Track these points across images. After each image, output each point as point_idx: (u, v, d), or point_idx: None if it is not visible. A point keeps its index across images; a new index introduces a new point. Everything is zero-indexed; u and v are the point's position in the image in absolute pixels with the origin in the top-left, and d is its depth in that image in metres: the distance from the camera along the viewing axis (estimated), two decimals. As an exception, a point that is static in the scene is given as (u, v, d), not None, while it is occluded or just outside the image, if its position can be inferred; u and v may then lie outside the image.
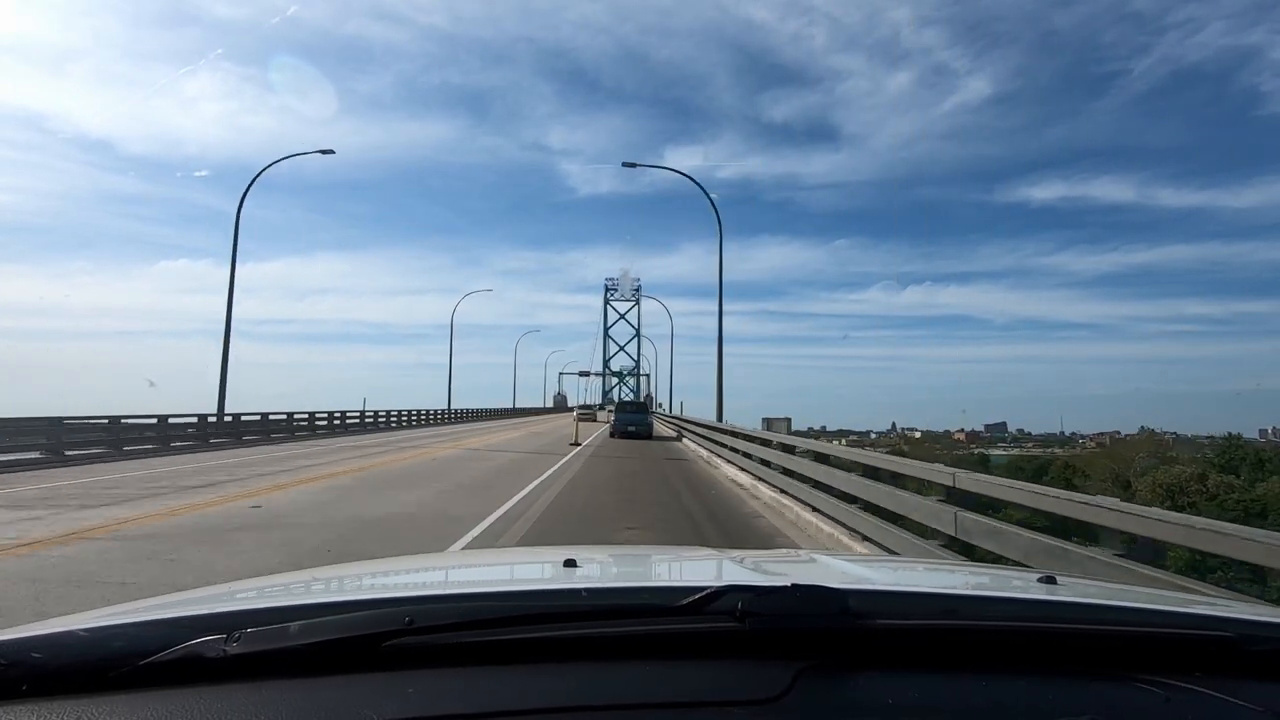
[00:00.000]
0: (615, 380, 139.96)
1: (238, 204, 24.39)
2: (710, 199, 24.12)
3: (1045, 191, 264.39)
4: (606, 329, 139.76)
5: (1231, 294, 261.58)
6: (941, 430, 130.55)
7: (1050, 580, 1.36)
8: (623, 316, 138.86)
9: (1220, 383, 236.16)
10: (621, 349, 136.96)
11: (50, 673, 0.86)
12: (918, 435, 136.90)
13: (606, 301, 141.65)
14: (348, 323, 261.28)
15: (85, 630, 0.93)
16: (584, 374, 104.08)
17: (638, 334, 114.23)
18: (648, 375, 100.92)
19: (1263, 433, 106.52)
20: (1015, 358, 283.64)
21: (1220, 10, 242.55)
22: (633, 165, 25.58)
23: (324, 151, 26.04)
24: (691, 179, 25.20)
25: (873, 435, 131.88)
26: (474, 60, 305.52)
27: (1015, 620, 1.04)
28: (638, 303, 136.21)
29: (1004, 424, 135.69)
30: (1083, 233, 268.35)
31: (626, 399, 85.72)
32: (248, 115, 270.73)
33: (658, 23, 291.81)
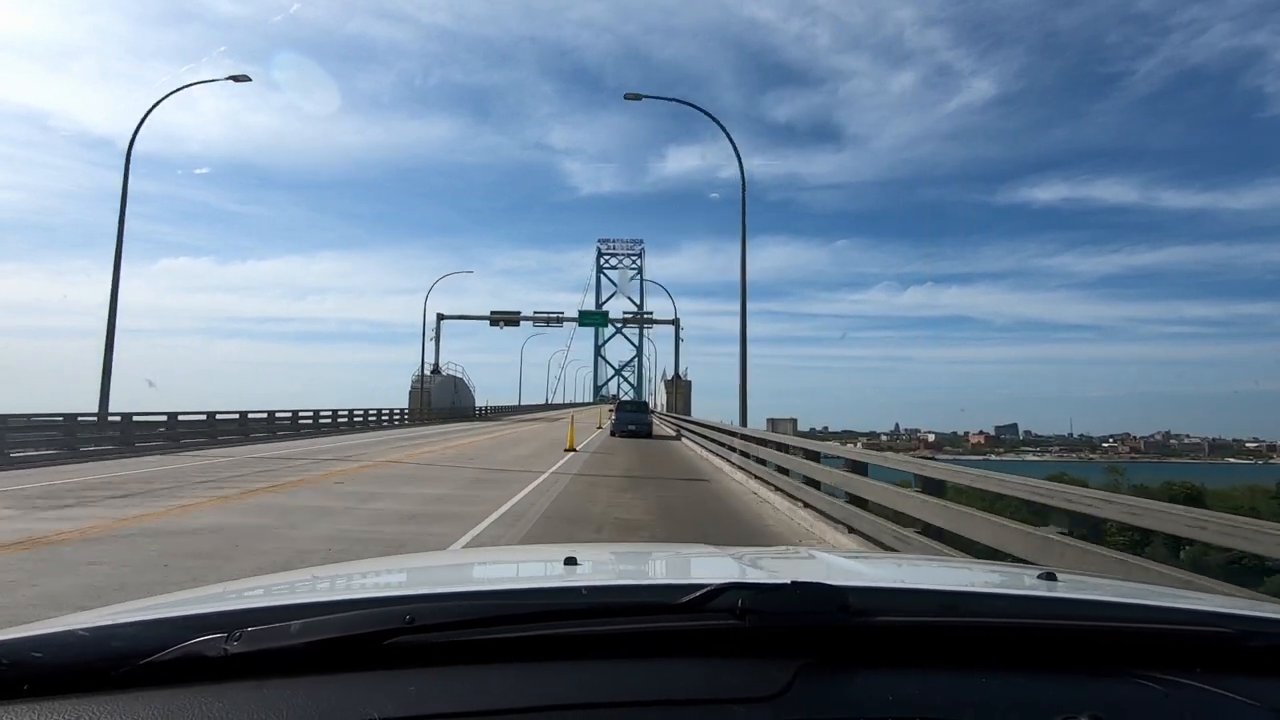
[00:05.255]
0: (613, 371, 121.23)
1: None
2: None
3: (1047, 193, 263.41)
4: (600, 304, 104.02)
5: (1233, 296, 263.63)
6: (949, 431, 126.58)
7: (1050, 577, 1.35)
8: (619, 289, 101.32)
9: (1221, 384, 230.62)
10: (619, 331, 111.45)
11: (51, 672, 0.86)
12: (931, 438, 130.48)
13: (600, 270, 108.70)
14: (349, 321, 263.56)
15: (86, 630, 0.93)
16: (501, 320, 53.99)
17: (639, 311, 76.42)
18: (681, 325, 58.12)
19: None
20: (1017, 359, 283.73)
21: (1225, 12, 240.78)
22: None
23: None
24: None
25: (882, 437, 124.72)
26: (476, 59, 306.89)
27: (1015, 617, 1.03)
28: (640, 271, 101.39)
29: (1015, 425, 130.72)
30: (1085, 234, 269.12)
31: (627, 397, 79.39)
32: (250, 113, 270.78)
33: (660, 22, 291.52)
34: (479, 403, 58.49)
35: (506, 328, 56.09)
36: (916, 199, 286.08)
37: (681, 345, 52.40)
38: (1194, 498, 30.46)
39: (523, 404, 75.21)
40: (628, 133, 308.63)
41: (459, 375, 56.00)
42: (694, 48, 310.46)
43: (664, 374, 59.96)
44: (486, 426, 37.87)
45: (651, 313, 63.01)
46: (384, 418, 35.81)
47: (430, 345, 49.31)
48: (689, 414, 39.42)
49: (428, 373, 49.89)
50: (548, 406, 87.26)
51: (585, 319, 59.48)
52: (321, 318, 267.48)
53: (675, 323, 53.96)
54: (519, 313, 56.87)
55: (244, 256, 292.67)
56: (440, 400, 49.04)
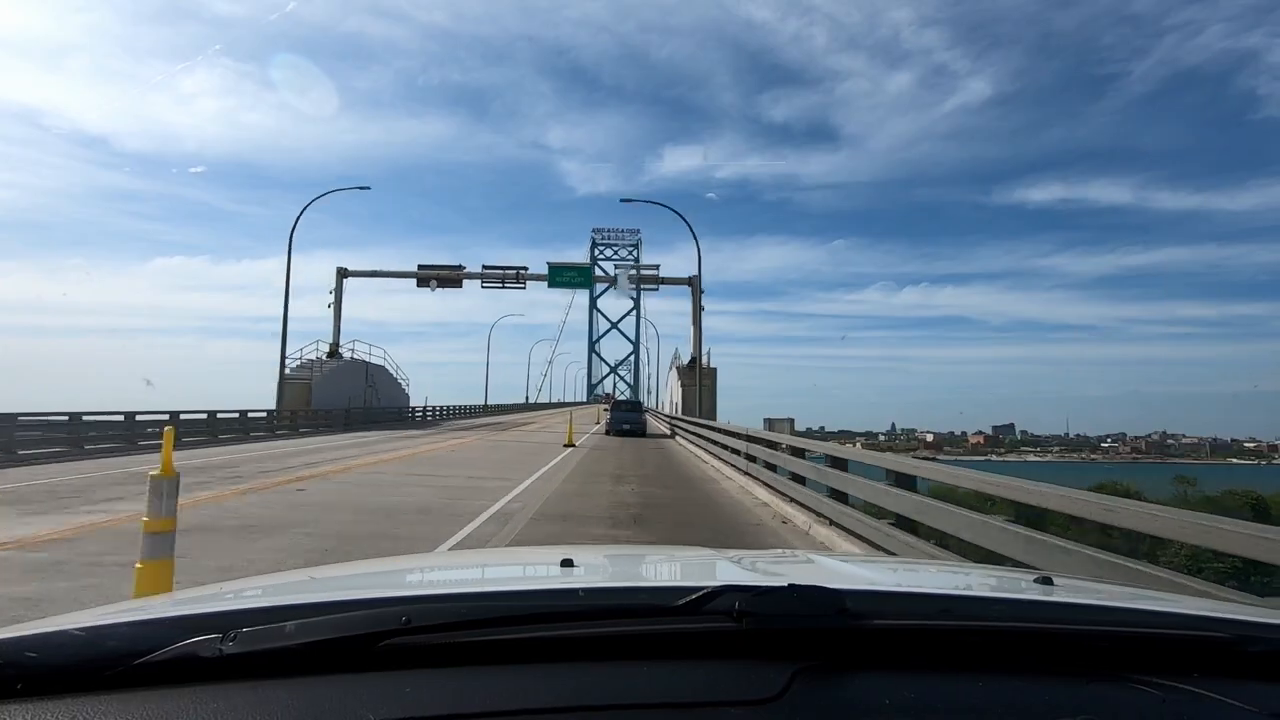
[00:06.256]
0: (608, 369, 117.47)
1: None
2: None
3: (1043, 193, 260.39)
4: (594, 299, 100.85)
5: (1228, 296, 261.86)
6: (947, 431, 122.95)
7: (1047, 581, 1.35)
8: (614, 282, 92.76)
9: (1217, 384, 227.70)
10: (615, 326, 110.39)
11: (45, 672, 0.85)
12: (929, 438, 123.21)
13: (594, 262, 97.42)
14: (347, 320, 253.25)
15: (80, 630, 0.92)
16: (434, 279, 38.50)
17: (637, 306, 69.13)
18: (702, 288, 34.64)
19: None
20: (1012, 359, 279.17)
21: (1219, 13, 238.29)
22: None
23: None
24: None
25: (880, 437, 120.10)
26: (474, 58, 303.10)
27: (1012, 620, 1.03)
28: (637, 262, 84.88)
29: (1012, 425, 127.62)
30: (1080, 234, 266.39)
31: (623, 396, 74.93)
32: (246, 112, 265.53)
33: (658, 21, 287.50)
34: (417, 400, 42.21)
35: (445, 289, 38.47)
36: (913, 199, 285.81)
37: (675, 345, 39.29)
38: (1259, 508, 27.34)
39: (490, 404, 58.18)
40: (625, 133, 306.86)
41: (379, 361, 37.93)
42: (691, 47, 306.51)
43: (675, 356, 42.46)
44: (374, 442, 21.68)
45: (658, 265, 41.60)
46: (249, 424, 22.69)
47: (304, 317, 36.70)
48: (714, 417, 26.68)
49: (316, 356, 33.78)
50: (529, 407, 74.23)
51: (557, 276, 39.42)
52: (318, 316, 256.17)
53: (694, 283, 34.65)
54: (462, 268, 38.74)
55: (239, 256, 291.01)
56: (333, 396, 31.77)
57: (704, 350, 30.22)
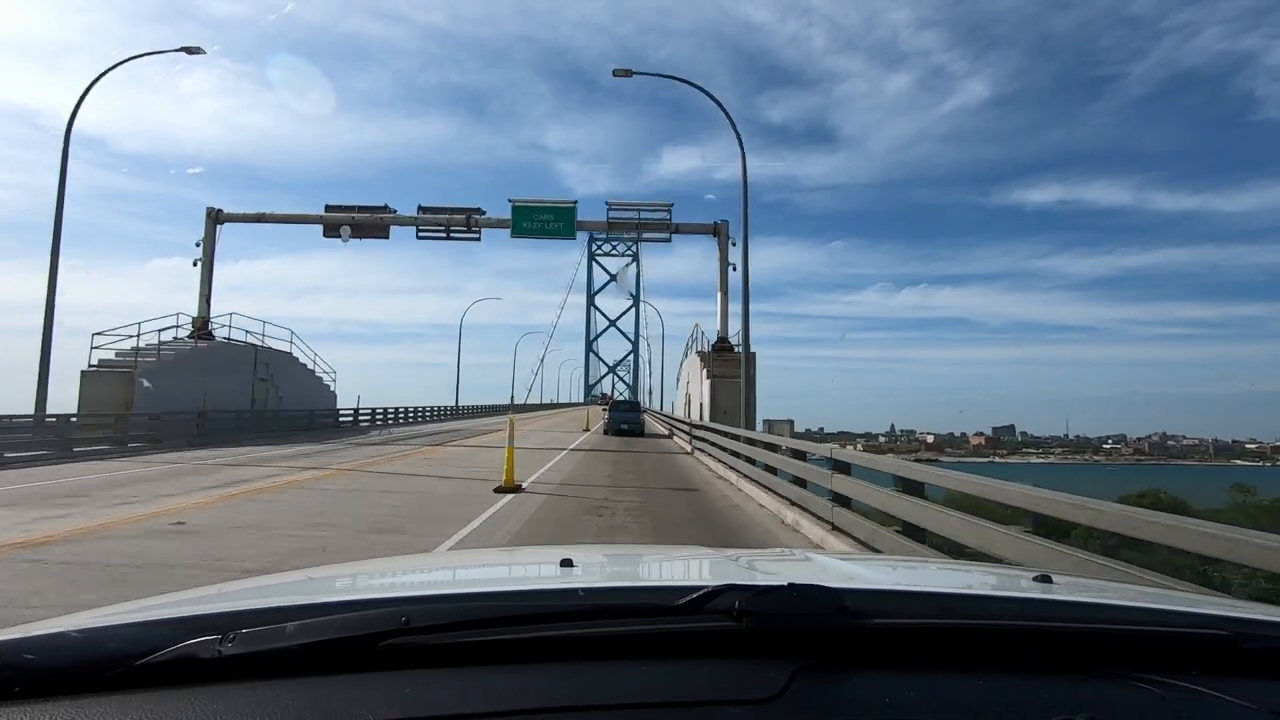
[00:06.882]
0: (606, 369, 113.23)
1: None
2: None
3: (1041, 194, 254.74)
4: (591, 295, 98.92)
5: (1226, 297, 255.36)
6: (946, 433, 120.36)
7: (1046, 579, 1.35)
8: (613, 278, 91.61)
9: (1216, 385, 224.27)
10: (613, 324, 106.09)
11: (44, 674, 0.85)
12: (930, 439, 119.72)
13: (591, 257, 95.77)
14: (342, 322, 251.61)
15: (79, 631, 0.93)
16: (347, 225, 26.85)
17: (636, 303, 62.92)
18: (731, 238, 24.94)
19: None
20: (1011, 360, 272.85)
21: (1217, 15, 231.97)
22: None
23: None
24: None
25: (880, 438, 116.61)
26: (472, 59, 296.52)
27: (1011, 619, 1.04)
28: (636, 258, 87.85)
29: (1012, 426, 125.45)
30: (1078, 236, 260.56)
31: (621, 397, 73.65)
32: (244, 112, 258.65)
33: (656, 22, 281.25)
34: (347, 400, 31.49)
35: (364, 239, 27.32)
36: (911, 200, 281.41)
37: (679, 347, 32.61)
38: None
39: (464, 405, 48.38)
40: (623, 134, 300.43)
41: (281, 346, 27.32)
42: (690, 48, 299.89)
43: (695, 335, 30.45)
44: (111, 485, 10.57)
45: (670, 205, 28.08)
46: None
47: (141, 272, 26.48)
48: (753, 424, 17.00)
49: (173, 335, 23.04)
50: (516, 409, 60.86)
51: (524, 220, 26.98)
52: (314, 318, 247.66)
53: (720, 230, 25.88)
54: (387, 207, 27.52)
55: (236, 256, 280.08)
56: (187, 394, 20.84)
57: (744, 324, 17.80)
